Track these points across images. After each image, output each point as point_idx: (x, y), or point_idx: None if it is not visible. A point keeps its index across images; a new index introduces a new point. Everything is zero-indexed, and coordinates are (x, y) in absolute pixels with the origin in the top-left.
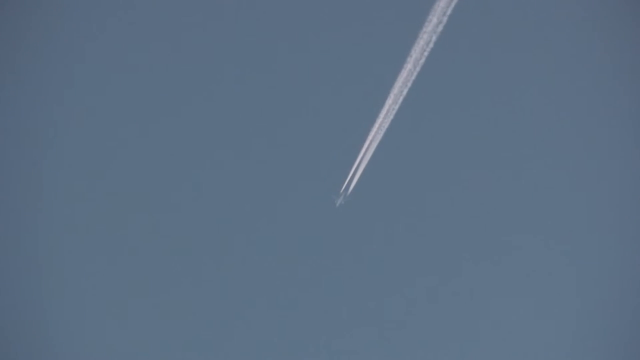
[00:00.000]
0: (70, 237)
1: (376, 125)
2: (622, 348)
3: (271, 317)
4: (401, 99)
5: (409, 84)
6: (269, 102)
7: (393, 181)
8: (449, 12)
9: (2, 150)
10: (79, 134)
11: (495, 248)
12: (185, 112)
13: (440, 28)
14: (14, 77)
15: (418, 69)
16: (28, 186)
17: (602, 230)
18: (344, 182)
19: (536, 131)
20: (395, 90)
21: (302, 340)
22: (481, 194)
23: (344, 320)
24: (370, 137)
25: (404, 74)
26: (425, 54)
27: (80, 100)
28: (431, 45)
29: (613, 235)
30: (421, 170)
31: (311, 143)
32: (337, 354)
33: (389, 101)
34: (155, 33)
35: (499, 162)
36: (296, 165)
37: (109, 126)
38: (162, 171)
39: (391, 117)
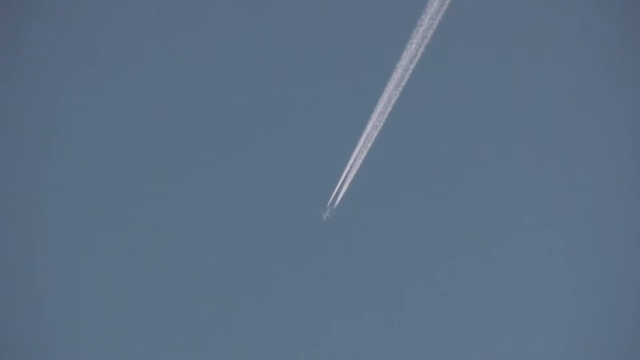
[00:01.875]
0: (70, 237)
1: (364, 136)
2: (622, 347)
3: (265, 320)
4: (389, 110)
5: (396, 96)
6: (255, 112)
7: (381, 193)
8: (442, 12)
9: (2, 150)
10: (79, 134)
11: (489, 254)
12: (170, 116)
13: (431, 32)
14: (13, 77)
15: (404, 83)
16: (28, 186)
17: (601, 228)
18: (330, 196)
19: (531, 130)
20: (384, 100)
21: (295, 344)
22: (472, 202)
23: (338, 329)
24: (357, 149)
25: (390, 86)
26: (412, 66)
27: (79, 100)
28: (418, 57)
29: (612, 234)
30: (410, 181)
31: (297, 155)
32: (330, 356)
33: (377, 111)
34: (148, 31)
35: (491, 167)
36: (283, 176)
37: (109, 126)
38: (149, 173)
39: (379, 127)
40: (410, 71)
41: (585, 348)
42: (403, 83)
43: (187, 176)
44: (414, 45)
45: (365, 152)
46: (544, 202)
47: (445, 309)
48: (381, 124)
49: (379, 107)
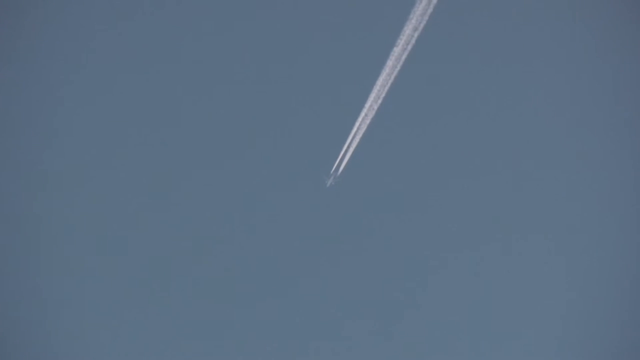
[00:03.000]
0: (69, 237)
1: (369, 101)
2: (621, 347)
3: (269, 289)
4: (392, 78)
5: (400, 64)
6: (257, 88)
7: (385, 160)
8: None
9: (1, 150)
10: (78, 134)
11: (490, 241)
12: (171, 110)
13: (423, 23)
14: (13, 76)
15: (411, 46)
16: (27, 186)
17: (601, 226)
18: (334, 163)
19: (528, 126)
20: (387, 69)
21: (298, 333)
22: (474, 182)
23: (340, 312)
24: (362, 114)
25: (395, 52)
26: (420, 27)
27: (79, 99)
28: (426, 18)
29: (612, 232)
30: (413, 155)
31: (301, 122)
32: (331, 349)
33: (379, 82)
34: (137, 27)
35: (494, 151)
36: (286, 144)
37: (107, 125)
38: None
39: (383, 96)
40: (412, 43)
41: (585, 347)
42: (411, 45)
43: (190, 142)
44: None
45: (370, 117)
46: (543, 199)
47: (447, 279)
48: (386, 89)
49: (384, 73)
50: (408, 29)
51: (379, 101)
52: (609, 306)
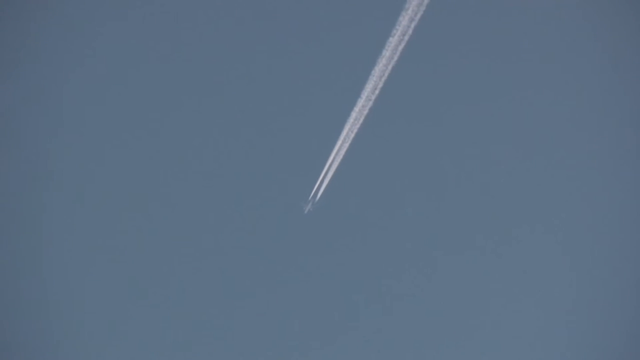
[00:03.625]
0: (68, 237)
1: (347, 128)
2: (621, 346)
3: (247, 317)
4: (372, 101)
5: (377, 91)
6: (236, 106)
7: (364, 185)
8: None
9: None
10: (78, 134)
11: (479, 249)
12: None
13: (412, 28)
14: (12, 76)
15: (387, 74)
16: (26, 186)
17: (601, 225)
18: (312, 188)
19: (528, 124)
20: (366, 91)
21: (278, 343)
22: (459, 197)
23: (322, 326)
24: (340, 141)
25: (372, 78)
26: (395, 58)
27: (78, 98)
28: (402, 46)
29: (614, 231)
30: (394, 174)
31: (278, 148)
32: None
33: (359, 104)
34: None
35: (476, 161)
36: (264, 169)
37: (107, 125)
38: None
39: (362, 119)
40: (392, 63)
41: (586, 348)
42: (386, 74)
43: (168, 171)
44: (396, 37)
45: (348, 144)
46: (541, 196)
47: (432, 303)
48: (364, 115)
49: (362, 99)
50: (378, 70)
51: (359, 124)
52: (610, 306)
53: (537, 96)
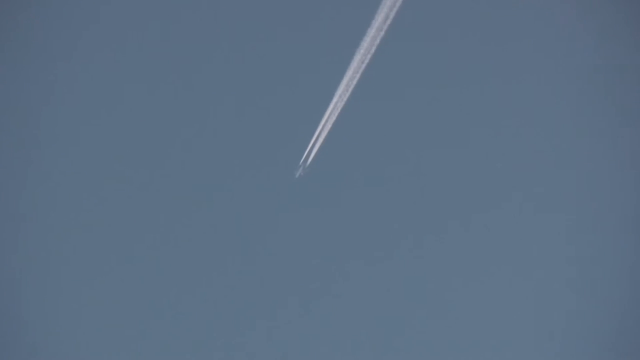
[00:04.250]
0: (68, 237)
1: (341, 87)
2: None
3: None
4: (366, 63)
5: (372, 50)
6: (224, 67)
7: (359, 148)
8: None
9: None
10: (77, 134)
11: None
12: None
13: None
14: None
15: (381, 35)
16: (25, 186)
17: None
18: (303, 152)
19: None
20: (361, 51)
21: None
22: (459, 173)
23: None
24: (334, 100)
25: (367, 37)
26: (388, 22)
27: (76, 97)
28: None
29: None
30: (388, 137)
31: (268, 110)
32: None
33: (353, 64)
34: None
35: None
36: (253, 132)
37: (106, 125)
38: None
39: (356, 79)
40: (389, 21)
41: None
42: (382, 33)
43: (160, 133)
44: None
45: (342, 103)
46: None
47: (428, 266)
48: (359, 75)
49: (356, 59)
50: (376, 23)
51: (355, 80)
52: (611, 306)
53: (536, 92)
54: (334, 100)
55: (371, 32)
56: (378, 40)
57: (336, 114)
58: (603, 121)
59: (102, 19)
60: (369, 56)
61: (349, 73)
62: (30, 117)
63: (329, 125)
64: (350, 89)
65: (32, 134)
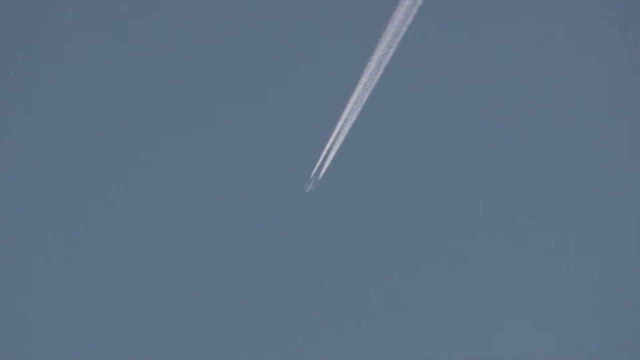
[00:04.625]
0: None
1: (351, 102)
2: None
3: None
4: (376, 79)
5: (382, 67)
6: (237, 77)
7: (368, 163)
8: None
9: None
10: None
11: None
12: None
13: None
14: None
15: (391, 51)
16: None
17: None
18: (314, 166)
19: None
20: (369, 70)
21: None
22: (469, 184)
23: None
24: (344, 115)
25: (375, 57)
26: (398, 38)
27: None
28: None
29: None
30: (399, 151)
31: (280, 122)
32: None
33: (362, 81)
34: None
35: (495, 152)
36: (264, 144)
37: (106, 126)
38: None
39: (366, 95)
40: (401, 34)
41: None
42: (394, 46)
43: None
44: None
45: (353, 118)
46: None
47: (440, 286)
48: (370, 89)
49: (369, 70)
50: (383, 45)
51: (364, 97)
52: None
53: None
54: (346, 110)
55: (381, 47)
56: (388, 57)
57: (349, 126)
58: None
59: (104, 20)
60: (383, 66)
61: (359, 87)
62: (30, 117)
63: (339, 141)
64: (364, 98)
65: (33, 134)
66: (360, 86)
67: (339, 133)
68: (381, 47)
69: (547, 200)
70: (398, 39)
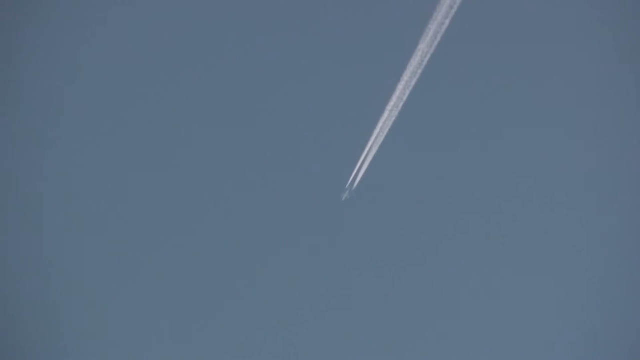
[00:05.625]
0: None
1: (387, 111)
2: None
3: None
4: (409, 90)
5: (417, 76)
6: (267, 96)
7: (403, 173)
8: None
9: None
10: (78, 134)
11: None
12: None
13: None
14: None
15: (425, 61)
16: (27, 186)
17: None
18: (350, 176)
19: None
20: (403, 81)
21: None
22: (494, 191)
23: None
24: (380, 125)
25: (411, 65)
26: (435, 43)
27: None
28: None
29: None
30: (433, 160)
31: (315, 133)
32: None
33: (397, 91)
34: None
35: (510, 159)
36: (299, 155)
37: (106, 126)
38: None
39: (401, 104)
40: (427, 58)
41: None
42: (427, 57)
43: (197, 153)
44: (438, 18)
45: (388, 128)
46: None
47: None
48: (405, 99)
49: (403, 82)
50: (420, 52)
51: (398, 108)
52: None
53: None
54: (382, 119)
55: (414, 61)
56: (421, 70)
57: (384, 135)
58: None
59: (108, 22)
60: (417, 76)
61: (397, 93)
62: (31, 117)
63: (375, 148)
64: (399, 107)
65: (33, 134)
66: (397, 92)
67: (373, 143)
68: (414, 61)
69: (547, 200)
70: (436, 42)
